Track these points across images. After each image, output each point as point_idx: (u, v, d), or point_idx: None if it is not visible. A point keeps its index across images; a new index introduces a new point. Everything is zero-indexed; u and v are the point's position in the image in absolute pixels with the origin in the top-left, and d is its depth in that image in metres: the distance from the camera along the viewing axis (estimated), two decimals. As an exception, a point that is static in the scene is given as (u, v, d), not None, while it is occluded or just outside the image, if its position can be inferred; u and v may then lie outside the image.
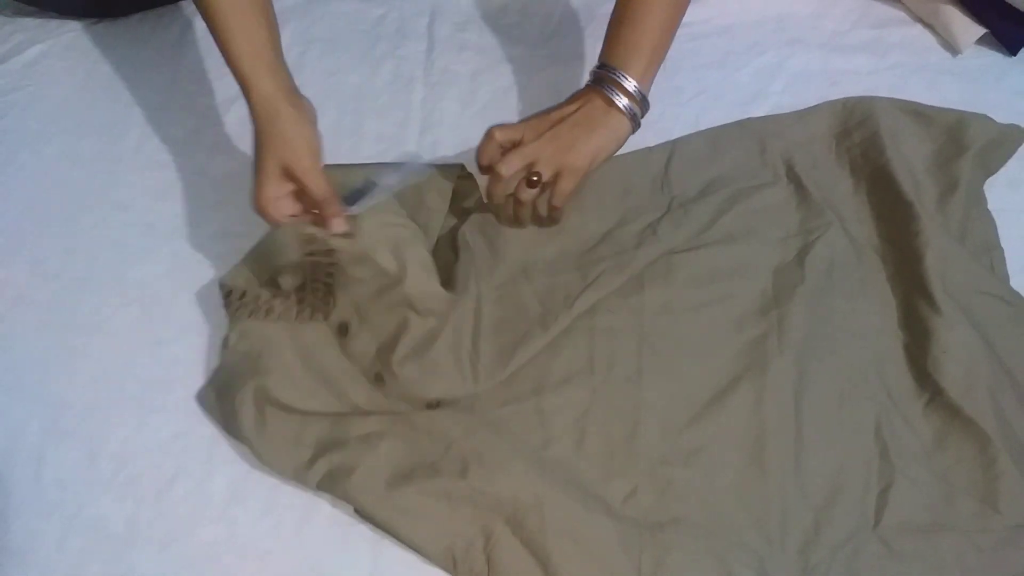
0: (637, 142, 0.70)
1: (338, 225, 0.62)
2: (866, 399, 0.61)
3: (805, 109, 0.75)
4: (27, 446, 0.64)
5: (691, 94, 0.78)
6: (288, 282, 0.64)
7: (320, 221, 0.63)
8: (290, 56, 0.80)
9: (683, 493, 0.59)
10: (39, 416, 0.65)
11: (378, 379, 0.64)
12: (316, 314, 0.65)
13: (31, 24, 0.83)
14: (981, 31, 0.77)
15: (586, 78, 0.77)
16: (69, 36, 0.83)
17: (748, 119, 0.75)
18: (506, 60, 0.81)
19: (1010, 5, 0.74)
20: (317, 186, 0.62)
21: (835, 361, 0.62)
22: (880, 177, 0.69)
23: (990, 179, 0.71)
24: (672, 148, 0.74)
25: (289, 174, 0.62)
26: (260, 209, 0.63)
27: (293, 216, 0.63)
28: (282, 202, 0.63)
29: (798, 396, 0.61)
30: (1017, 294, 0.65)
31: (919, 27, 0.80)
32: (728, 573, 0.56)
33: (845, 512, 0.58)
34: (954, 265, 0.64)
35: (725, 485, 0.59)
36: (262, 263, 0.65)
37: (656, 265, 0.67)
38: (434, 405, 0.62)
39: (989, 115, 0.73)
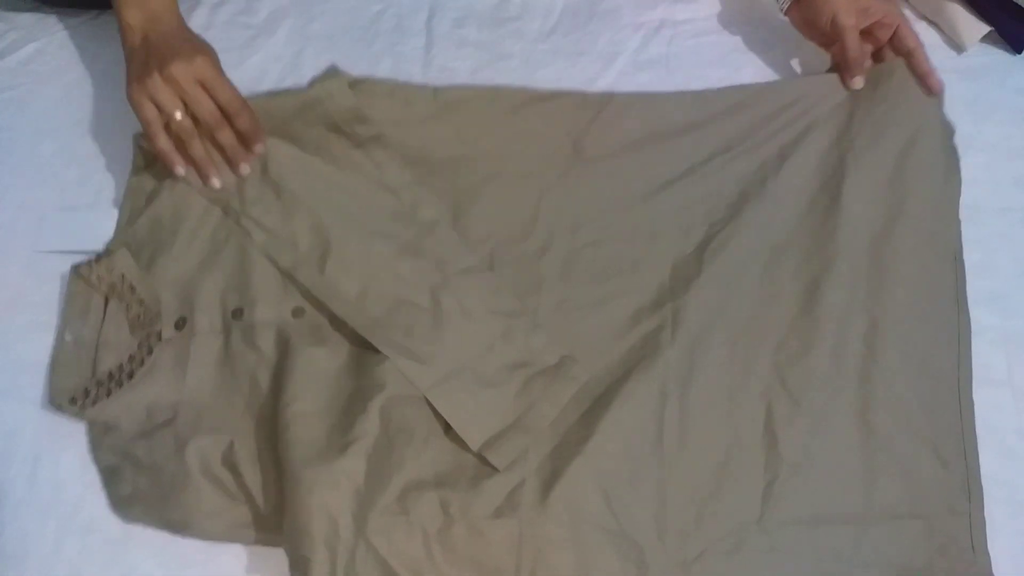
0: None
1: (256, 138, 0.66)
2: (757, 393, 0.61)
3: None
4: (23, 447, 0.64)
5: (693, 92, 0.77)
6: (111, 356, 0.65)
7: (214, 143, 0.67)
8: (287, 54, 0.80)
9: (568, 483, 0.58)
10: (35, 417, 0.65)
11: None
12: (153, 338, 0.65)
13: (25, 22, 0.83)
14: (986, 29, 0.76)
15: (588, 75, 0.77)
16: (64, 34, 0.82)
17: (703, 91, 0.74)
18: (506, 56, 0.80)
19: (1016, 3, 0.74)
20: (233, 91, 0.66)
21: (727, 353, 0.63)
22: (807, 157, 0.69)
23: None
24: (606, 103, 0.73)
25: (202, 76, 0.64)
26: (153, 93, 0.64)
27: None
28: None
29: (685, 388, 0.61)
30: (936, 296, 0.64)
31: (923, 24, 0.79)
32: (607, 563, 0.56)
33: (728, 505, 0.59)
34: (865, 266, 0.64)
35: (608, 473, 0.59)
36: (72, 361, 0.65)
37: (553, 263, 0.67)
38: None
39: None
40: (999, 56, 0.77)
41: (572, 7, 0.83)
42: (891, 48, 0.71)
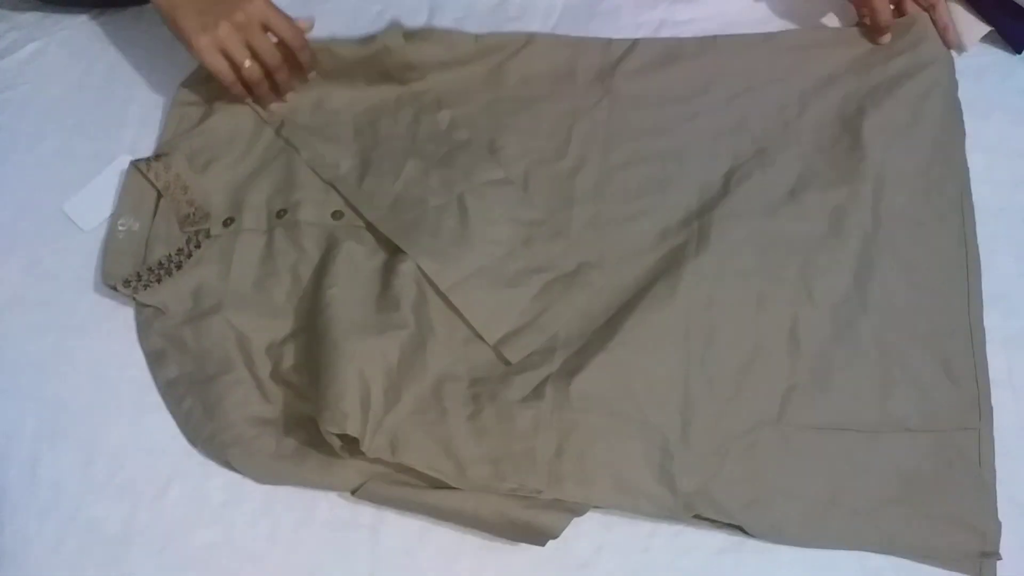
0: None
1: (306, 57, 0.72)
2: (784, 301, 0.64)
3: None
4: (23, 447, 0.64)
5: (692, 92, 0.77)
6: (160, 247, 0.69)
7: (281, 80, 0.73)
8: (287, 54, 0.80)
9: (590, 375, 0.61)
10: (34, 417, 0.65)
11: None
12: (199, 235, 0.70)
13: (26, 21, 0.83)
14: (986, 29, 0.76)
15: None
16: (64, 33, 0.82)
17: (728, 36, 0.78)
18: (506, 57, 0.80)
19: (1016, 3, 0.74)
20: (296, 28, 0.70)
21: (755, 261, 0.65)
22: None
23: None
24: (631, 47, 0.78)
25: (264, 18, 0.68)
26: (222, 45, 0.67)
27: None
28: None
29: (713, 293, 0.63)
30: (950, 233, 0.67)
31: (923, 25, 0.79)
32: (632, 448, 0.59)
33: (749, 405, 0.61)
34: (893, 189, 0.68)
35: (631, 368, 0.61)
36: (124, 249, 0.70)
37: (585, 182, 0.71)
38: None
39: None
40: (999, 56, 0.77)
41: (572, 7, 0.83)
42: (914, 1, 0.75)
